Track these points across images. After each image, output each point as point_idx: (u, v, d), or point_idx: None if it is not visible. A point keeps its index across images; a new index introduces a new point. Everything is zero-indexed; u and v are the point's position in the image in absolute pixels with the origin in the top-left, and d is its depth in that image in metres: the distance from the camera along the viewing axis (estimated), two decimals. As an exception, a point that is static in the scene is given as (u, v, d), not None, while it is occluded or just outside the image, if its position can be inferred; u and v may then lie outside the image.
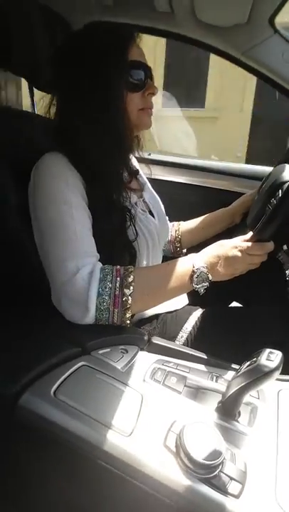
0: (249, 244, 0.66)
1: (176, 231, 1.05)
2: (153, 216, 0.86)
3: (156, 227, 0.85)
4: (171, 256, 1.05)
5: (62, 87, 0.72)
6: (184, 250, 1.06)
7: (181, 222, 1.07)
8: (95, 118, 0.68)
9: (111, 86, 0.67)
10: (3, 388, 0.47)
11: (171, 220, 1.04)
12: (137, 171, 0.92)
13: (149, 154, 1.45)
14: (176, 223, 1.07)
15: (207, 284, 0.65)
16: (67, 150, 0.69)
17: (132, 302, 0.61)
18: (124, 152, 0.77)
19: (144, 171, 0.98)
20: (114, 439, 0.42)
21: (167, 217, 1.07)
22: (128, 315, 0.61)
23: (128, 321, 0.62)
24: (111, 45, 0.67)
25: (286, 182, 0.64)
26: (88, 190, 0.69)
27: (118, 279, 0.61)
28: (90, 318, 0.60)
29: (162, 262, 0.91)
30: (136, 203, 0.81)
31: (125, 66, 0.68)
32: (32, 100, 1.06)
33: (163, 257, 0.97)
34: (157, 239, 0.84)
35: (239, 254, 0.65)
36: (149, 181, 0.98)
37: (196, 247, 0.96)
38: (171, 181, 1.36)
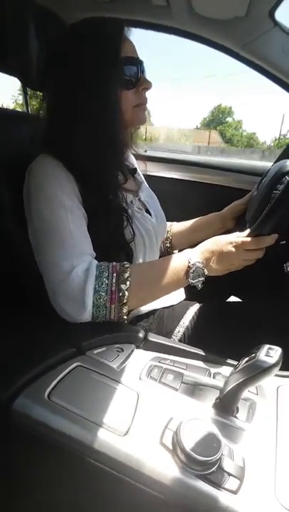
0: (244, 239, 0.66)
1: (167, 232, 1.05)
2: (150, 214, 0.86)
3: (154, 225, 0.84)
4: (161, 255, 1.04)
5: (53, 87, 0.70)
6: (176, 251, 1.06)
7: (174, 223, 1.07)
8: (89, 118, 0.67)
9: (105, 86, 0.66)
10: None
11: (167, 216, 1.03)
12: (135, 170, 0.91)
13: (146, 151, 1.45)
14: (168, 223, 1.06)
15: (203, 278, 0.65)
16: (59, 151, 0.67)
17: (129, 297, 0.61)
18: (119, 151, 0.76)
19: (140, 168, 0.97)
20: (109, 440, 0.42)
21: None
22: (125, 310, 0.61)
23: (125, 317, 0.62)
24: (103, 44, 0.66)
25: None
26: (83, 192, 0.68)
27: (114, 275, 0.61)
28: (87, 315, 0.60)
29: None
30: (131, 202, 0.81)
31: (119, 64, 0.67)
32: (26, 100, 1.05)
33: None
34: (154, 237, 0.84)
35: (234, 249, 0.65)
36: (145, 178, 0.97)
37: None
38: (167, 177, 1.35)
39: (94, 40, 0.66)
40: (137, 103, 0.72)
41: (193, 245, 0.99)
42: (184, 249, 0.95)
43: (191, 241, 1.03)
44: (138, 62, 0.70)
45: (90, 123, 0.67)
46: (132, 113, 0.72)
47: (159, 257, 0.78)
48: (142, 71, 0.71)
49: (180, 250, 1.04)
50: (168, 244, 1.04)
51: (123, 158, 0.82)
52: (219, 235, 0.97)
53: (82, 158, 0.67)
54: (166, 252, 1.05)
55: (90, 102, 0.66)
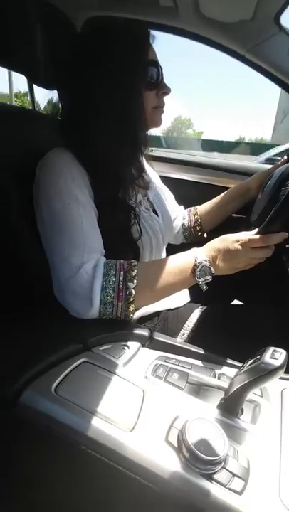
0: (252, 237, 0.65)
1: (194, 215, 1.05)
2: (157, 215, 0.86)
3: (161, 225, 0.84)
4: (192, 242, 1.06)
5: (76, 86, 0.71)
6: (205, 235, 1.06)
7: (198, 207, 1.07)
8: (114, 116, 0.68)
9: (133, 85, 0.68)
10: (4, 386, 0.46)
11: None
12: (144, 169, 0.91)
13: (151, 151, 1.45)
14: (192, 208, 1.07)
15: (210, 277, 0.64)
16: (75, 148, 0.68)
17: (136, 296, 0.61)
18: (138, 150, 0.78)
19: (154, 169, 0.99)
20: (115, 435, 0.42)
21: (182, 207, 1.08)
22: (132, 308, 0.61)
23: (132, 315, 0.62)
24: (132, 45, 0.68)
25: None
26: (94, 187, 0.68)
27: (122, 272, 0.61)
28: (94, 311, 0.60)
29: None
30: (140, 202, 0.81)
31: (145, 64, 0.69)
32: (32, 98, 1.05)
33: (180, 245, 0.98)
34: (161, 238, 0.84)
35: (240, 248, 0.64)
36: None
37: (217, 229, 0.98)
38: (174, 178, 1.35)
39: (123, 40, 0.67)
40: (156, 105, 0.74)
41: (223, 221, 1.03)
42: (215, 229, 0.96)
43: (221, 217, 1.04)
44: (159, 66, 0.72)
45: (113, 119, 0.68)
46: (150, 113, 0.74)
47: (185, 247, 0.76)
48: (162, 75, 0.74)
49: (210, 231, 1.06)
50: (198, 228, 1.04)
51: (140, 155, 0.83)
52: (245, 206, 0.98)
53: (99, 154, 0.68)
54: (197, 237, 1.05)
55: (114, 98, 0.68)
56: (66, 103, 0.74)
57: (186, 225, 1.05)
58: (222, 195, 1.04)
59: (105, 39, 0.67)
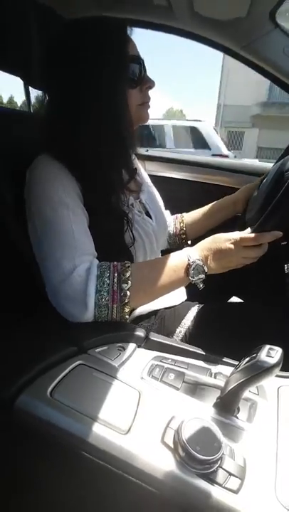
0: (243, 236, 0.65)
1: (180, 223, 1.04)
2: (150, 217, 0.85)
3: (154, 228, 0.84)
4: (176, 248, 1.04)
5: (58, 87, 0.69)
6: (189, 242, 1.05)
7: (185, 214, 1.07)
8: (97, 117, 0.66)
9: (113, 84, 0.66)
10: (0, 388, 0.46)
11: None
12: (135, 170, 0.90)
13: (147, 150, 1.45)
14: (179, 215, 1.07)
15: (203, 276, 0.65)
16: (62, 152, 0.67)
17: (130, 297, 0.61)
18: (127, 150, 0.76)
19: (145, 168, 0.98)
20: (111, 438, 0.42)
21: (168, 211, 1.06)
22: (127, 310, 0.61)
23: (127, 316, 0.62)
24: (111, 41, 0.65)
25: None
26: (84, 192, 0.68)
27: (115, 274, 0.61)
28: (89, 315, 0.59)
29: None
30: (132, 205, 0.80)
31: (125, 62, 0.67)
32: (28, 100, 1.05)
33: (165, 250, 0.96)
34: (155, 240, 0.84)
35: (232, 246, 0.65)
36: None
37: (202, 238, 0.97)
38: (168, 177, 1.35)
39: (99, 37, 0.65)
40: (141, 102, 0.73)
41: (208, 231, 1.01)
42: (200, 237, 0.94)
43: (205, 227, 1.03)
44: (141, 61, 0.70)
45: (97, 122, 0.67)
46: (135, 111, 0.72)
47: (173, 251, 0.76)
48: (145, 70, 0.71)
49: (195, 239, 1.03)
50: (183, 236, 1.04)
51: (131, 155, 0.81)
52: (224, 224, 0.97)
53: (87, 158, 0.67)
54: (181, 244, 1.05)
55: (97, 101, 0.66)
56: (50, 106, 0.72)
57: (172, 233, 1.05)
58: (209, 205, 1.03)
59: (80, 39, 0.65)
